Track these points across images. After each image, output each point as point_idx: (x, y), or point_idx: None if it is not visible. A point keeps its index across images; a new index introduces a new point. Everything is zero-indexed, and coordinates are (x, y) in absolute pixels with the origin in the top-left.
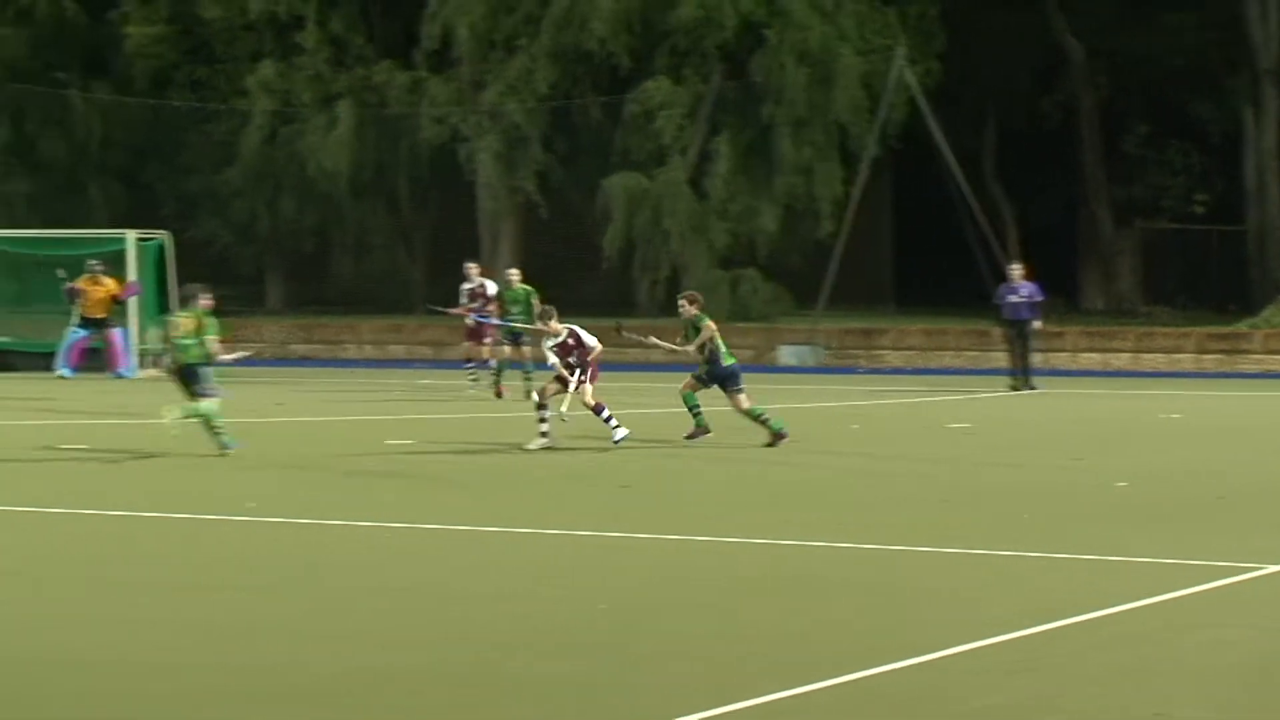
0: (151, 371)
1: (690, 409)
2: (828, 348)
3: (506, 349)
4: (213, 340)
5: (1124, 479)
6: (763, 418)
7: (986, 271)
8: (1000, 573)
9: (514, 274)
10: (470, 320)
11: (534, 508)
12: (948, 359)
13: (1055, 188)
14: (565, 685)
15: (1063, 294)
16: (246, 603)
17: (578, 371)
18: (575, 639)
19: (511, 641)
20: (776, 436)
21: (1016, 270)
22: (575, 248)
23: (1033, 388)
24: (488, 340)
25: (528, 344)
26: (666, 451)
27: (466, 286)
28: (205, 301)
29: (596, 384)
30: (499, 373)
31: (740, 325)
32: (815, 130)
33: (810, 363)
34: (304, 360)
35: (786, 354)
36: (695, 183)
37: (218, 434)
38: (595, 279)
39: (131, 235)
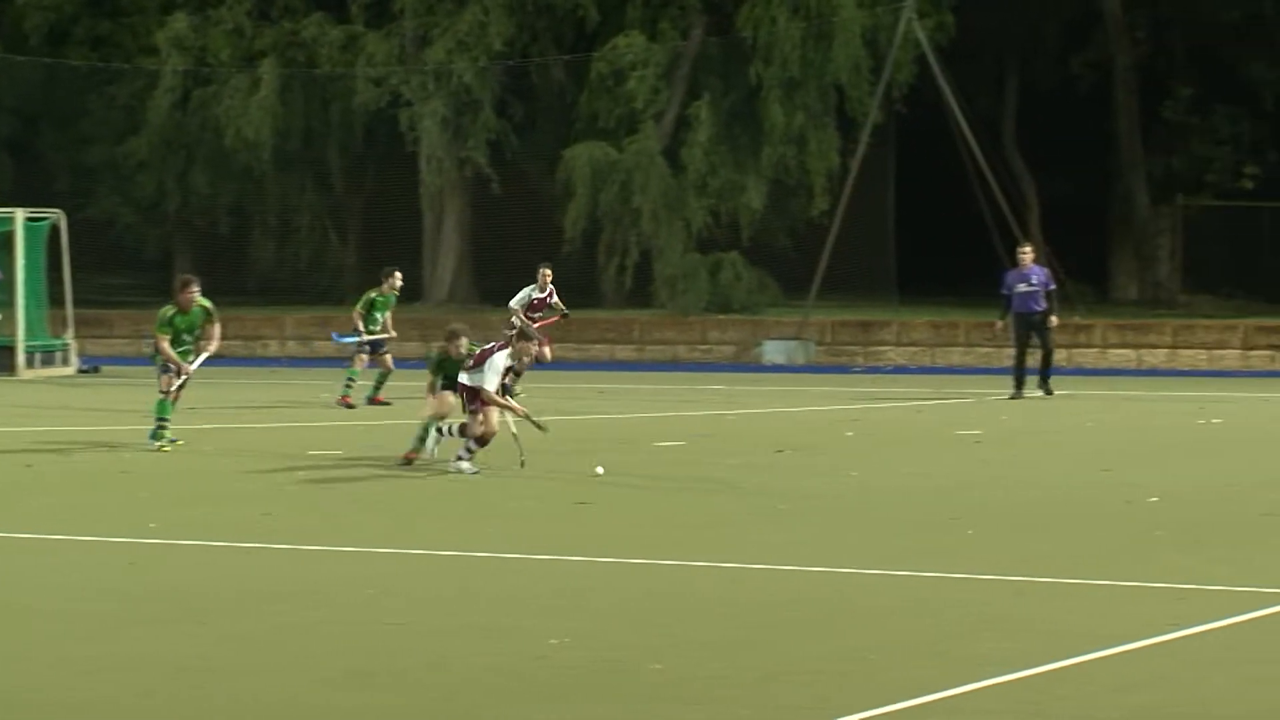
0: (40, 371)
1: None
2: (819, 343)
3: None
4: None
5: (1156, 494)
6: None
7: (1004, 255)
8: (1010, 601)
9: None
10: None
11: (466, 529)
12: (956, 356)
13: (1085, 160)
14: None
15: (1091, 281)
16: (168, 635)
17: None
18: (531, 678)
19: (459, 680)
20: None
21: (1026, 254)
22: (531, 229)
23: (1049, 392)
24: None
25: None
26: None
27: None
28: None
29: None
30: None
31: (720, 317)
32: (810, 93)
33: (799, 360)
34: (218, 358)
35: (772, 350)
36: (670, 154)
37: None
38: (554, 265)
39: (19, 213)
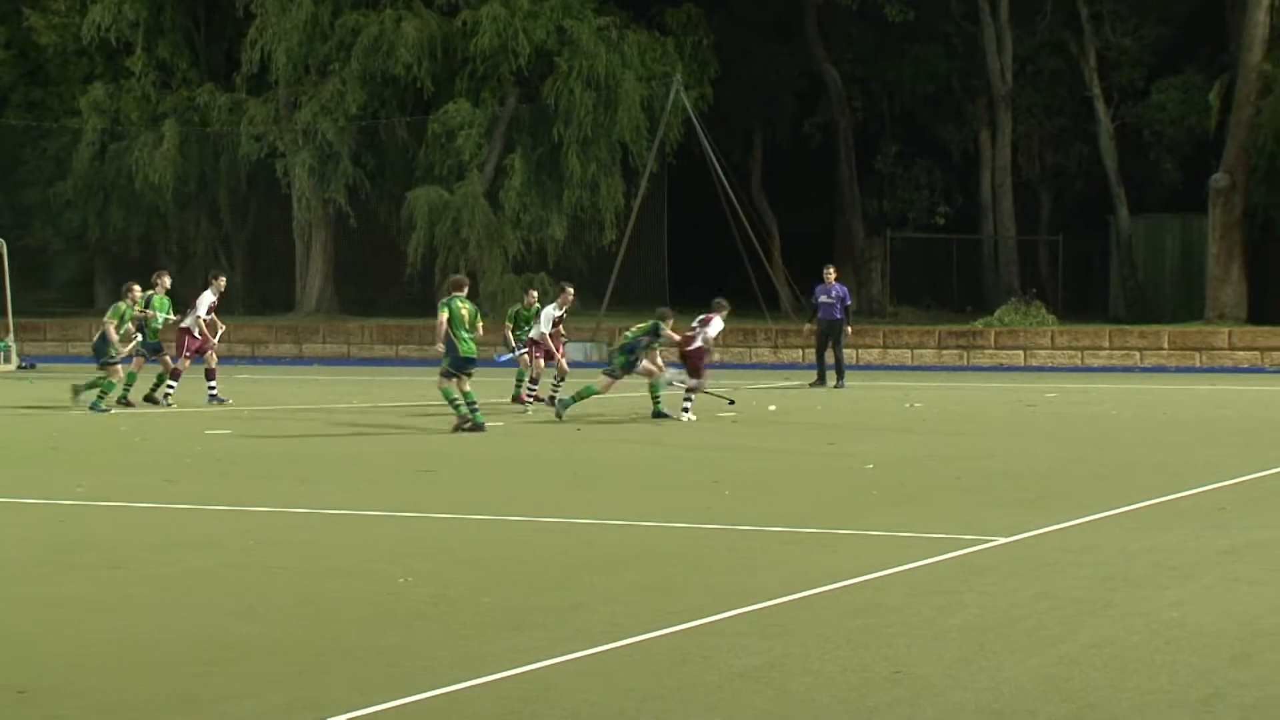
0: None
1: (450, 402)
2: (609, 344)
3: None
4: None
5: (872, 461)
6: (455, 403)
7: (753, 275)
8: (763, 547)
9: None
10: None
11: (351, 491)
12: (715, 355)
13: (815, 201)
14: (386, 652)
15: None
16: (92, 578)
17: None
18: (389, 609)
19: (331, 614)
20: (464, 423)
21: (830, 273)
22: (382, 255)
23: (841, 386)
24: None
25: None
26: (463, 436)
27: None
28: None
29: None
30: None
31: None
32: (600, 148)
33: (594, 357)
34: (130, 358)
35: (572, 349)
36: (491, 196)
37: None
38: (400, 283)
39: None
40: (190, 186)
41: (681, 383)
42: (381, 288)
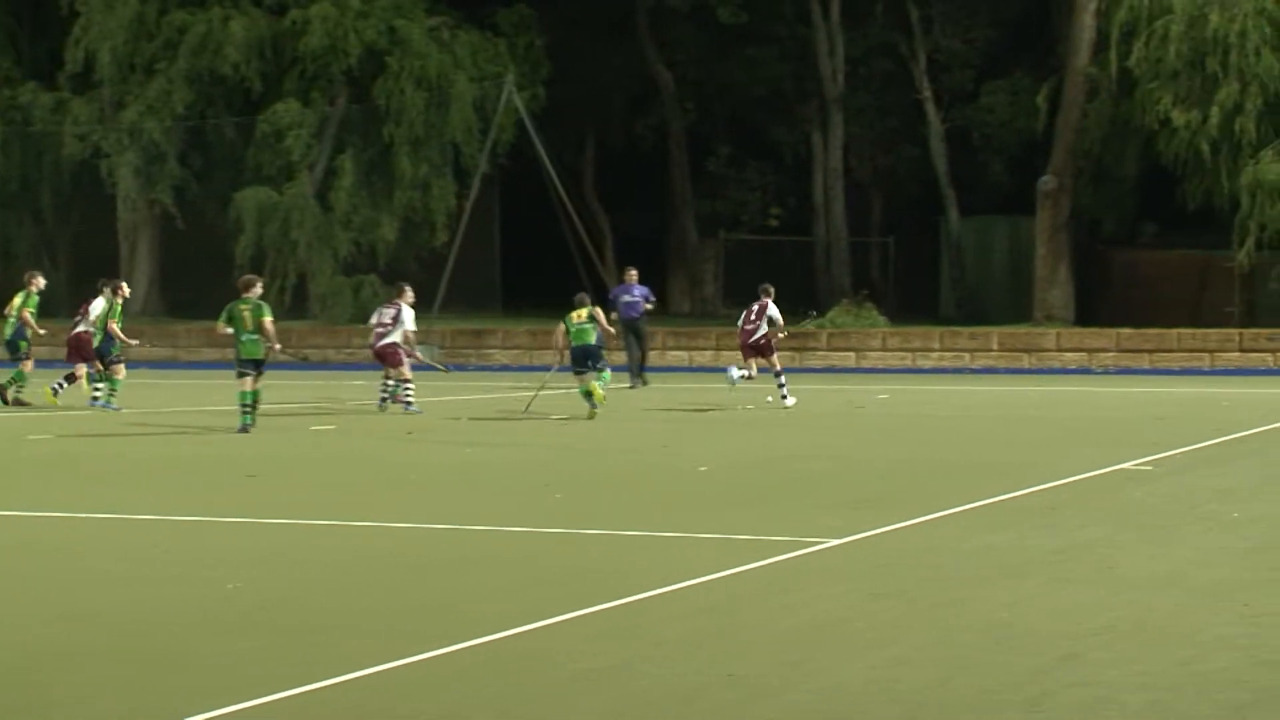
0: None
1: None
2: (441, 347)
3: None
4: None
5: (705, 464)
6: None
7: (585, 275)
8: (597, 550)
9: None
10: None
11: (177, 497)
12: (550, 357)
13: (648, 202)
14: (218, 659)
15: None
16: None
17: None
18: (216, 617)
19: (160, 621)
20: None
21: (632, 273)
22: (209, 256)
23: (646, 384)
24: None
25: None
26: (300, 439)
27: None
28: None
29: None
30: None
31: (361, 326)
32: (432, 149)
33: (426, 361)
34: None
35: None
36: (321, 197)
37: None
38: (227, 285)
39: None
40: (12, 186)
41: (748, 376)
42: (208, 290)
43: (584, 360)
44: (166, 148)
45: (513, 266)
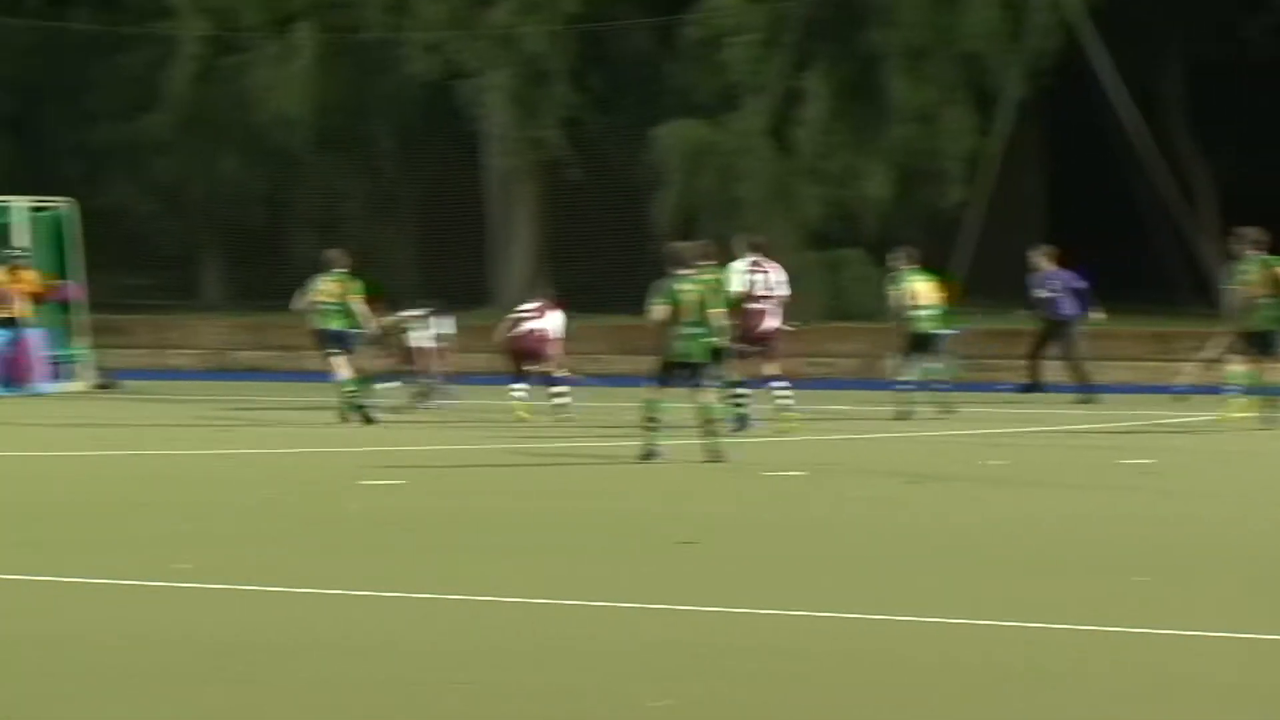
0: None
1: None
2: (964, 357)
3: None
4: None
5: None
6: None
7: (1176, 253)
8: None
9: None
10: None
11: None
12: (1124, 372)
13: (1271, 140)
14: None
15: None
16: None
17: None
18: None
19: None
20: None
21: (1047, 258)
22: (615, 221)
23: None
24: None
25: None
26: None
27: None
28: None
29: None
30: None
31: (838, 325)
32: (939, 63)
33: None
34: (251, 372)
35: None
36: (778, 134)
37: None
38: (644, 262)
39: (22, 203)
40: (335, 121)
41: None
42: (615, 272)
43: None
44: (553, 63)
45: (1061, 233)
